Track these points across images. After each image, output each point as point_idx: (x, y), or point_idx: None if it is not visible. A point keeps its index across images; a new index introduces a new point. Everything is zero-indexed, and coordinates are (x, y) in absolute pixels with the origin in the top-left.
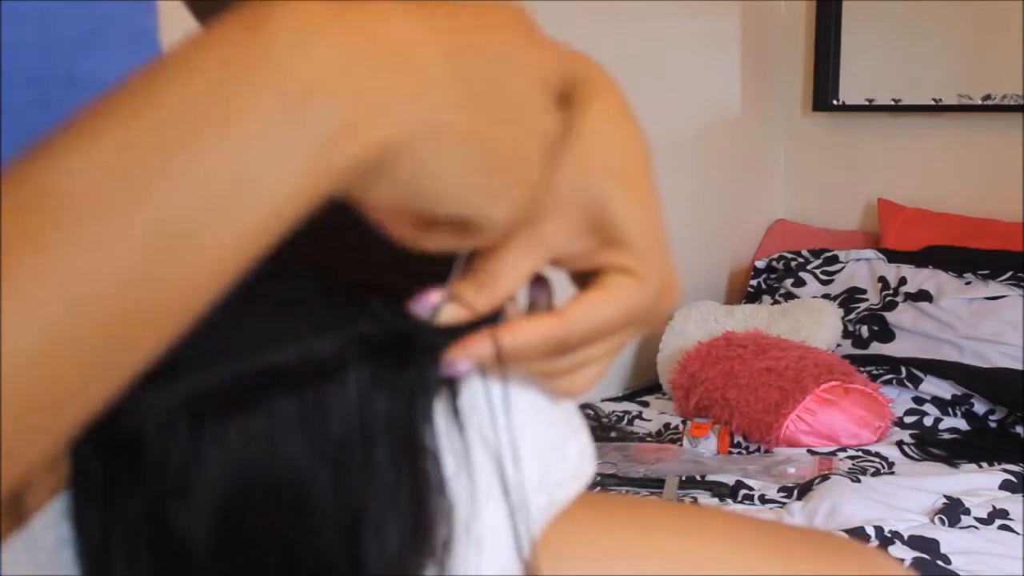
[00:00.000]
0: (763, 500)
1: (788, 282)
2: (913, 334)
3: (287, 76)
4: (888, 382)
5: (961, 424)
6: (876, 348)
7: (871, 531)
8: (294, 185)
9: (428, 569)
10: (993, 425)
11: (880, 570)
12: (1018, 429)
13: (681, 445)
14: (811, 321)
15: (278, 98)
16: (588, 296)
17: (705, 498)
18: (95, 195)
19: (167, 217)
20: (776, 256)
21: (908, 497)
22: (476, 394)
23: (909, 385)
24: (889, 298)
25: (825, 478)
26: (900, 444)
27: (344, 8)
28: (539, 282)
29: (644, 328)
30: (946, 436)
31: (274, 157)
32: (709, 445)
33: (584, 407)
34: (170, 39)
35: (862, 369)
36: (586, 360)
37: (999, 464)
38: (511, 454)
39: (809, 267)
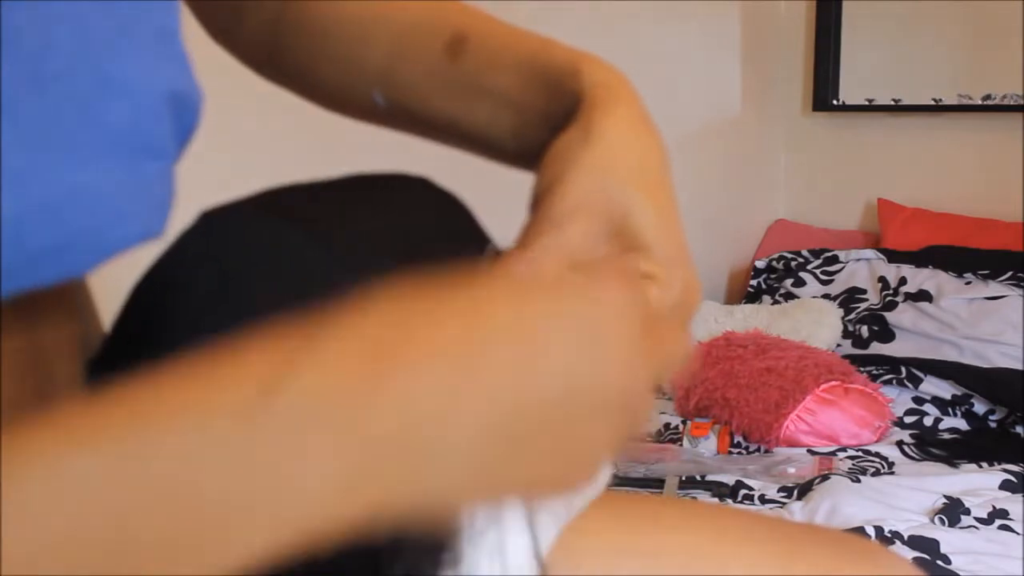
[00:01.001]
0: (763, 500)
1: (788, 282)
2: (913, 334)
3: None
4: (888, 382)
5: (961, 424)
6: (876, 348)
7: (871, 531)
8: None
9: (445, 569)
10: (993, 425)
11: (890, 569)
12: (1018, 429)
13: (681, 445)
14: (811, 321)
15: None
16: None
17: (705, 498)
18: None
19: None
20: (776, 256)
21: (908, 497)
22: None
23: (909, 385)
24: (889, 298)
25: (825, 478)
26: (900, 444)
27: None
28: None
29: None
30: (946, 436)
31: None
32: (709, 445)
33: None
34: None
35: (862, 369)
36: None
37: (999, 464)
38: None
39: (809, 267)
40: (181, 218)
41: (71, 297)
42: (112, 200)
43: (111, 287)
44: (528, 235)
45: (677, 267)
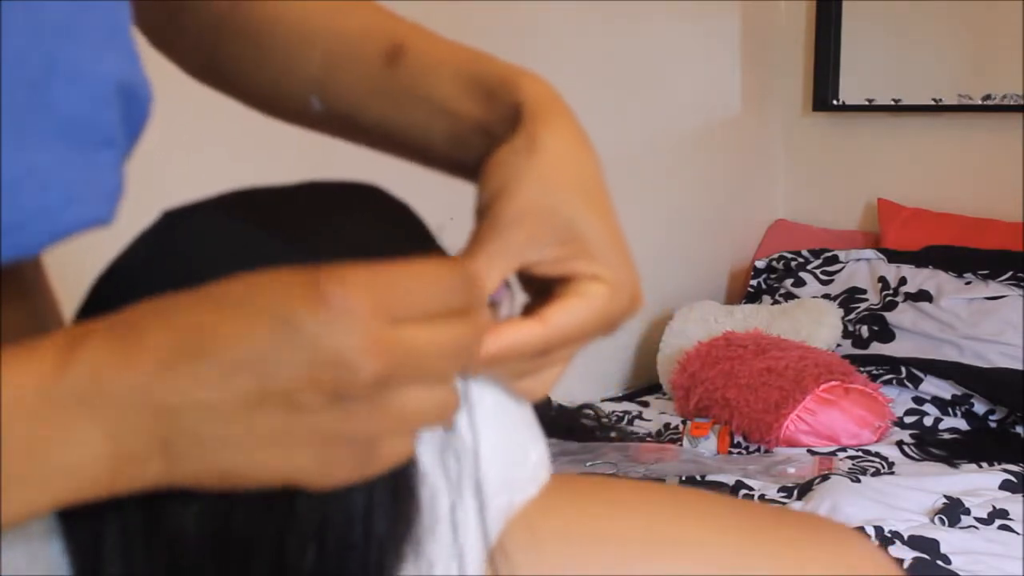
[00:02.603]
0: (763, 500)
1: (788, 282)
2: (913, 334)
3: None
4: (888, 382)
5: (961, 424)
6: (876, 348)
7: (871, 531)
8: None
9: (406, 559)
10: (993, 425)
11: (854, 550)
12: (1018, 429)
13: (681, 445)
14: (811, 321)
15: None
16: (568, 302)
17: (689, 487)
18: None
19: None
20: (776, 256)
21: (908, 497)
22: None
23: (909, 385)
24: (889, 298)
25: (825, 478)
26: (900, 444)
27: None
28: (503, 287)
29: (610, 333)
30: (946, 436)
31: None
32: (709, 445)
33: (584, 407)
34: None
35: (862, 369)
36: (549, 363)
37: (999, 464)
38: (475, 449)
39: (809, 267)
40: (146, 217)
41: (26, 284)
42: (63, 183)
43: (74, 282)
44: (475, 243)
45: (624, 272)
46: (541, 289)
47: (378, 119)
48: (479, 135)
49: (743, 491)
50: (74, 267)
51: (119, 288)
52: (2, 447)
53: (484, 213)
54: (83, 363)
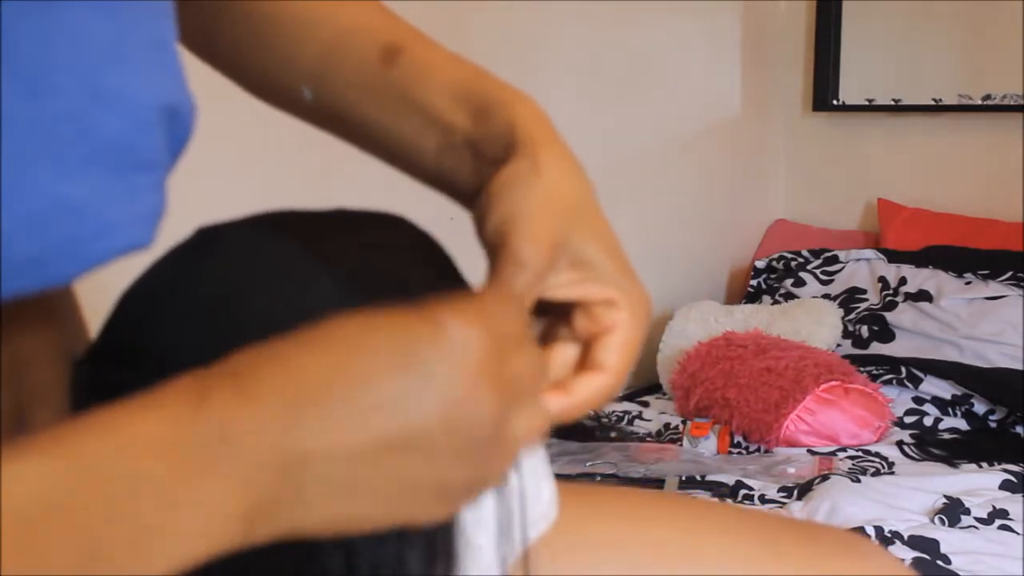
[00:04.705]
0: (763, 500)
1: (788, 282)
2: (913, 334)
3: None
4: (888, 382)
5: (961, 424)
6: (876, 348)
7: (871, 531)
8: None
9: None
10: (993, 425)
11: (876, 566)
12: (1018, 429)
13: (681, 445)
14: (811, 321)
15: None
16: (623, 339)
17: (704, 498)
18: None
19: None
20: (776, 256)
21: (908, 497)
22: None
23: (909, 385)
24: (889, 298)
25: (825, 478)
26: (900, 444)
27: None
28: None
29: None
30: (946, 436)
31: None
32: (709, 445)
33: None
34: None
35: (862, 369)
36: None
37: (999, 464)
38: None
39: (809, 267)
40: (176, 223)
41: (52, 306)
42: (99, 212)
43: (101, 292)
44: (498, 274)
45: (636, 290)
46: (550, 308)
47: (369, 120)
48: (466, 151)
49: (743, 491)
50: (95, 279)
51: (150, 305)
52: (138, 502)
53: (498, 241)
54: (211, 416)
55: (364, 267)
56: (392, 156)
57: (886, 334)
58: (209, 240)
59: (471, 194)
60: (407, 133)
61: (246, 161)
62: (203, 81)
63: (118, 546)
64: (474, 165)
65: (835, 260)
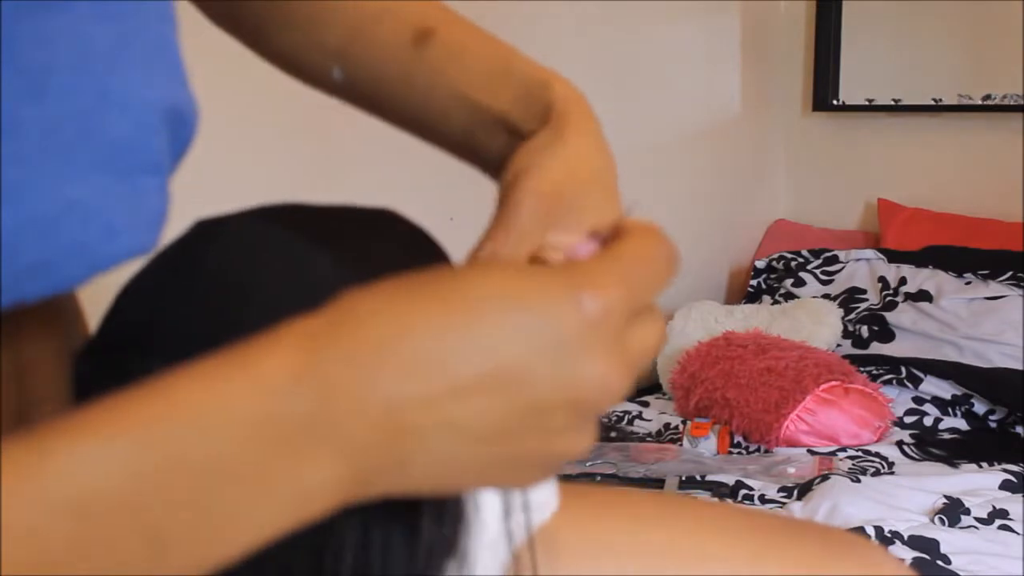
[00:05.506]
0: (763, 500)
1: (788, 282)
2: (913, 334)
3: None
4: (888, 382)
5: (961, 424)
6: (876, 348)
7: (871, 531)
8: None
9: (449, 568)
10: (993, 425)
11: (877, 567)
12: (1018, 429)
13: (681, 445)
14: (811, 321)
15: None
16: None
17: (705, 498)
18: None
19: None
20: (776, 256)
21: (908, 497)
22: None
23: (909, 385)
24: (889, 298)
25: (825, 478)
26: (900, 444)
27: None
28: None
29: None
30: (946, 436)
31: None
32: (709, 445)
33: None
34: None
35: (862, 369)
36: None
37: (999, 464)
38: None
39: (809, 267)
40: (171, 223)
41: (55, 309)
42: (105, 215)
43: (101, 292)
44: (497, 222)
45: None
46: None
47: (396, 97)
48: (499, 129)
49: (743, 491)
50: (95, 280)
51: (151, 293)
52: (232, 473)
53: (505, 195)
54: (313, 384)
55: (363, 254)
56: (418, 129)
57: (886, 334)
58: (208, 230)
59: (499, 166)
60: (437, 110)
61: (246, 162)
62: (203, 81)
63: (186, 540)
64: (507, 140)
65: (835, 260)
